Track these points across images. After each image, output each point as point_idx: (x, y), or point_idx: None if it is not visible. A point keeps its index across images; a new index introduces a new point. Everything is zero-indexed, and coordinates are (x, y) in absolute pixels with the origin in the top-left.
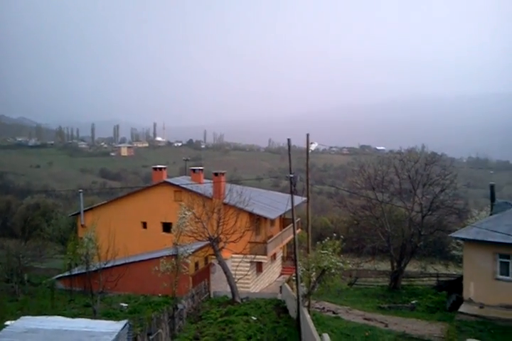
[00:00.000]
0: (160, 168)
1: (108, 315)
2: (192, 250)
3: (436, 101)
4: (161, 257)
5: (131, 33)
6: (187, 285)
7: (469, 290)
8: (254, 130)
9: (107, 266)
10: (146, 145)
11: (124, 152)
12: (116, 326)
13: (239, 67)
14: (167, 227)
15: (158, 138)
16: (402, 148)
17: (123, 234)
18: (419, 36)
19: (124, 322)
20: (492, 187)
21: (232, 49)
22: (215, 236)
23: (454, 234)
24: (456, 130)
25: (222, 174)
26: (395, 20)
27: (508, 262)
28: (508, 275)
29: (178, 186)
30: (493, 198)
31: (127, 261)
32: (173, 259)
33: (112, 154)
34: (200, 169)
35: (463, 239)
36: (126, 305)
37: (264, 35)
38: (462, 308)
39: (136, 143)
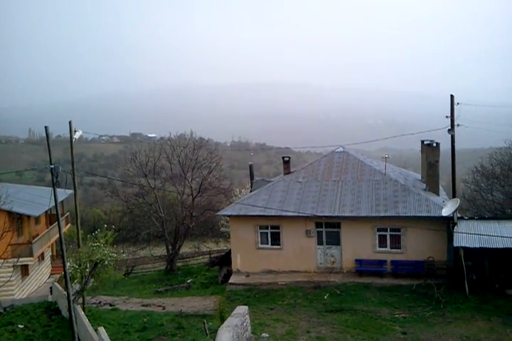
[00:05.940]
0: None
1: None
2: None
3: (206, 89)
4: None
5: None
6: None
7: (237, 261)
8: (11, 118)
9: None
10: None
11: None
12: None
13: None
14: None
15: None
16: (172, 135)
17: None
18: (197, 25)
19: None
20: (251, 166)
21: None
22: None
23: (220, 212)
24: (221, 115)
25: None
26: (175, 8)
27: (267, 232)
28: (267, 243)
29: None
30: (252, 176)
31: None
32: None
33: None
34: None
35: (229, 216)
36: None
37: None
38: (232, 279)
39: None
